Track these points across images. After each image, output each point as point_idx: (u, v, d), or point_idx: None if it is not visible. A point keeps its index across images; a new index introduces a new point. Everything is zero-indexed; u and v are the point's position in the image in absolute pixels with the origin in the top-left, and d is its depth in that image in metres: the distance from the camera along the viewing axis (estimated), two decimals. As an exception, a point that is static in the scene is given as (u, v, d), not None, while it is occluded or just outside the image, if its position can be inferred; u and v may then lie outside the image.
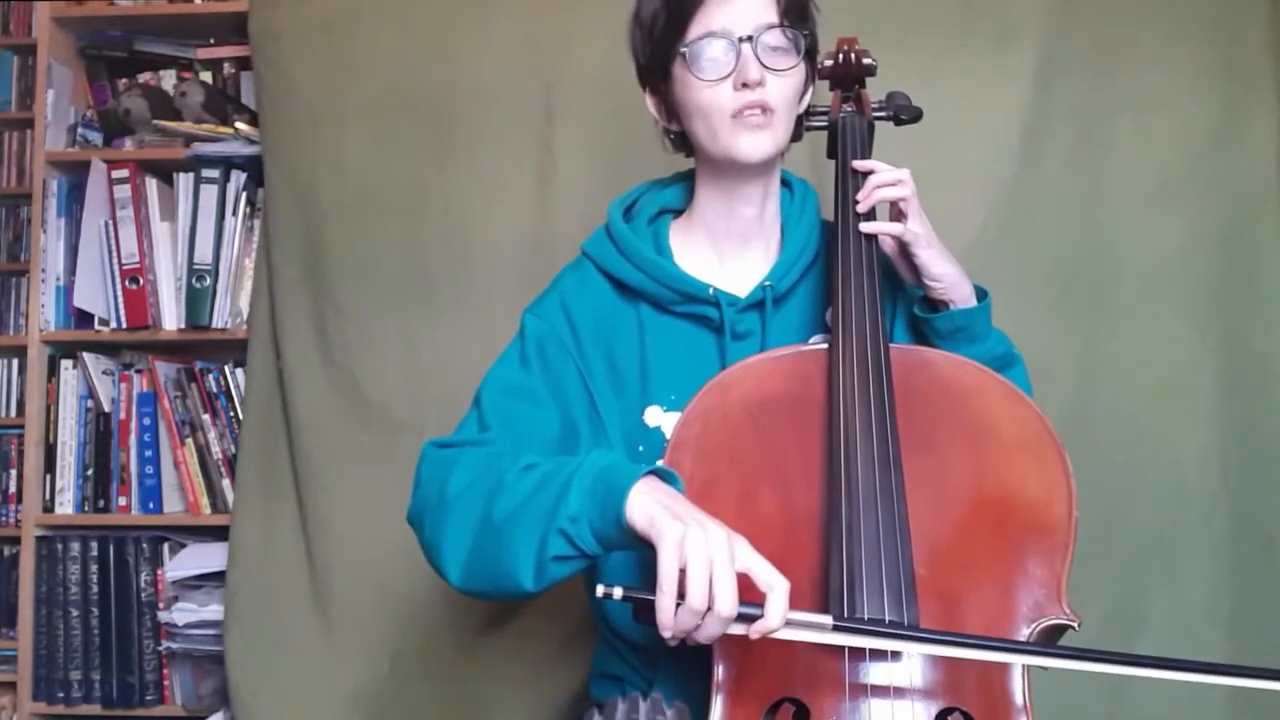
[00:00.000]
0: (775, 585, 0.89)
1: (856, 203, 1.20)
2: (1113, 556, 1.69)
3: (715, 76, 1.13)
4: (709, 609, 0.88)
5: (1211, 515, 1.73)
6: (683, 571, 0.89)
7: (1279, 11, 1.78)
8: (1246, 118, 1.78)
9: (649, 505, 0.92)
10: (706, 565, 0.88)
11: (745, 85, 1.13)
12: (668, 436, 1.14)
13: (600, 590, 0.91)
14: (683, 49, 1.14)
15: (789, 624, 0.90)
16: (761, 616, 0.89)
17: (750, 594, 0.90)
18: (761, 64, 1.13)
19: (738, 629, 0.91)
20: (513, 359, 1.22)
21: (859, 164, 1.23)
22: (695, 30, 1.14)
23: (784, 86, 1.16)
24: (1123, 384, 1.75)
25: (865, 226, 1.19)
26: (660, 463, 1.06)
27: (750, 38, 1.13)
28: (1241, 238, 1.77)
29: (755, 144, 1.15)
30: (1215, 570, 1.72)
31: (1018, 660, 0.99)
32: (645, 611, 0.91)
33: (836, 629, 0.92)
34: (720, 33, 1.13)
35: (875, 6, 1.77)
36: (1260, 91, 1.78)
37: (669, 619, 0.89)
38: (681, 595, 0.89)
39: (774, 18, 1.14)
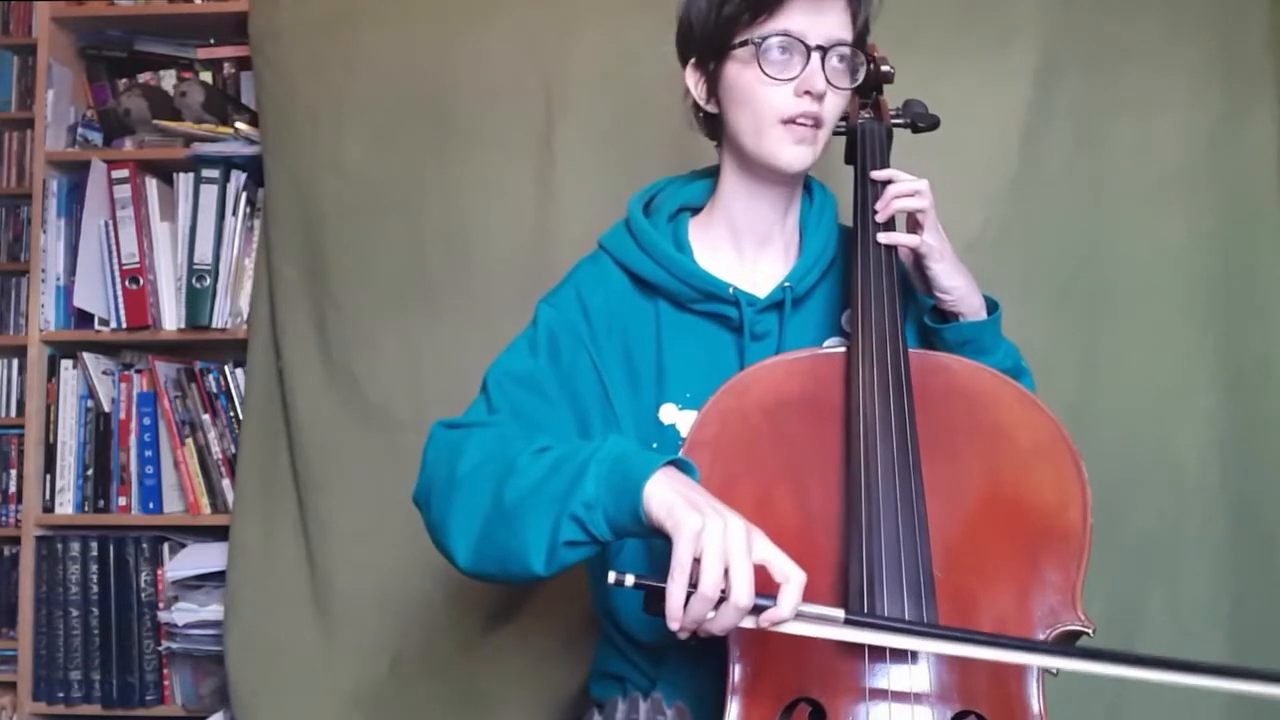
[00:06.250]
0: (792, 576, 0.90)
1: (875, 211, 1.20)
2: (1113, 556, 1.68)
3: (783, 76, 1.13)
4: (724, 599, 0.89)
5: (1211, 515, 1.73)
6: (697, 562, 0.88)
7: (1279, 11, 1.79)
8: (1246, 118, 1.78)
9: (667, 496, 0.92)
10: (722, 555, 0.88)
11: (807, 94, 1.13)
12: (682, 434, 1.15)
13: (612, 577, 0.90)
14: (755, 39, 1.13)
15: (800, 616, 0.90)
16: (773, 606, 0.89)
17: (767, 587, 0.90)
18: (826, 78, 1.13)
19: (748, 621, 0.90)
20: (522, 347, 1.21)
21: (878, 173, 1.23)
22: (774, 24, 1.13)
23: (836, 105, 1.17)
24: (1123, 384, 1.75)
25: (882, 237, 1.20)
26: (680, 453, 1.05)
27: (824, 49, 1.13)
28: (1241, 238, 1.77)
29: (798, 156, 1.16)
30: (1215, 570, 1.72)
31: (1030, 660, 0.98)
32: (655, 601, 0.90)
33: (848, 623, 0.91)
34: (796, 35, 1.12)
35: (875, 6, 1.77)
36: (1260, 91, 1.78)
37: (678, 608, 0.89)
38: (694, 585, 0.89)
39: (848, 36, 1.15)
